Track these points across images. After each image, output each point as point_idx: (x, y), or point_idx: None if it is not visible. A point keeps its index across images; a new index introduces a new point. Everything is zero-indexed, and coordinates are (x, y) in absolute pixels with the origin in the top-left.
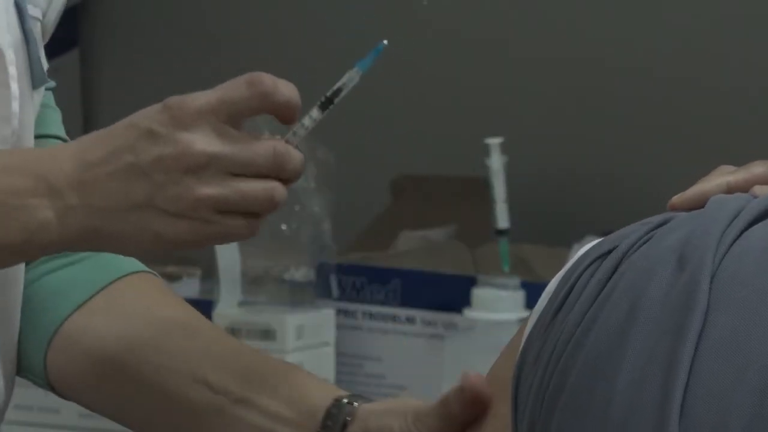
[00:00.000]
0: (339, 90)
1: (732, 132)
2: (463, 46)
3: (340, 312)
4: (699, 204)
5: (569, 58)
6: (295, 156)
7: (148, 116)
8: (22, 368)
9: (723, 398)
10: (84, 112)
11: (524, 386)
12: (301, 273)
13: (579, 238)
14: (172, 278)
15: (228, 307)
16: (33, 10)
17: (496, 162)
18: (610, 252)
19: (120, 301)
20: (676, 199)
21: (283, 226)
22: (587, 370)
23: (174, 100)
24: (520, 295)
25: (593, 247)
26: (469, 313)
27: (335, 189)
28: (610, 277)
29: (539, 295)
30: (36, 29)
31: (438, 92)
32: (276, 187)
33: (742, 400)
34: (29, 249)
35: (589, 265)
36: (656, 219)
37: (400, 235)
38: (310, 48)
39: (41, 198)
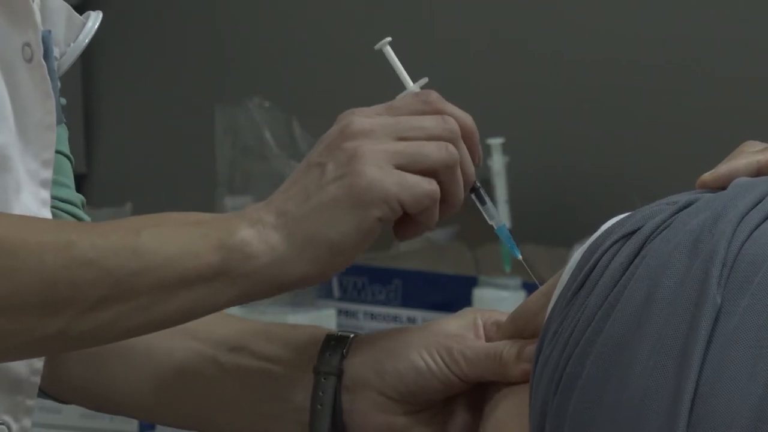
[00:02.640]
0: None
1: (733, 132)
2: (463, 47)
3: (341, 312)
4: (728, 183)
5: (570, 59)
6: (462, 116)
7: (323, 137)
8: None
9: (734, 388)
10: (85, 111)
11: (542, 361)
12: None
13: (579, 238)
14: None
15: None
16: (54, 50)
17: (498, 162)
18: (633, 233)
19: None
20: (707, 176)
21: None
22: (604, 358)
23: (342, 114)
24: (521, 295)
25: (617, 223)
26: None
27: None
28: (631, 261)
29: None
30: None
31: (439, 93)
32: (448, 145)
33: (752, 390)
34: (226, 276)
35: (612, 245)
36: (683, 199)
37: None
38: (310, 47)
39: (238, 222)
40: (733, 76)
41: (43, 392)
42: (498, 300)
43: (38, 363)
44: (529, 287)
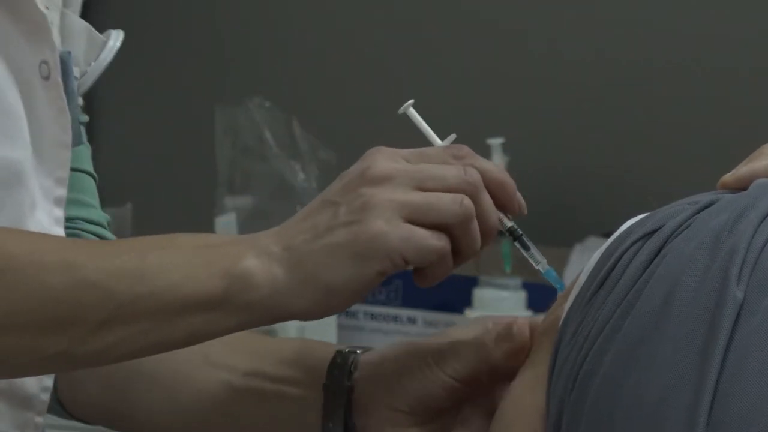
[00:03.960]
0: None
1: (734, 131)
2: (463, 47)
3: (341, 312)
4: (749, 184)
5: (570, 59)
6: (488, 168)
7: (338, 180)
8: None
9: (755, 386)
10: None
11: (560, 360)
12: None
13: (580, 238)
14: None
15: None
16: (73, 69)
17: (498, 162)
18: (654, 232)
19: None
20: (728, 177)
21: None
22: (622, 356)
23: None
24: (521, 296)
25: (638, 223)
26: (470, 314)
27: None
28: (652, 260)
29: (540, 295)
30: (76, 90)
31: (439, 93)
32: (465, 198)
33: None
34: (227, 304)
35: (632, 244)
36: (704, 199)
37: None
38: (310, 47)
39: (246, 251)
40: (733, 76)
41: (70, 414)
42: (498, 300)
43: (48, 381)
44: (530, 287)
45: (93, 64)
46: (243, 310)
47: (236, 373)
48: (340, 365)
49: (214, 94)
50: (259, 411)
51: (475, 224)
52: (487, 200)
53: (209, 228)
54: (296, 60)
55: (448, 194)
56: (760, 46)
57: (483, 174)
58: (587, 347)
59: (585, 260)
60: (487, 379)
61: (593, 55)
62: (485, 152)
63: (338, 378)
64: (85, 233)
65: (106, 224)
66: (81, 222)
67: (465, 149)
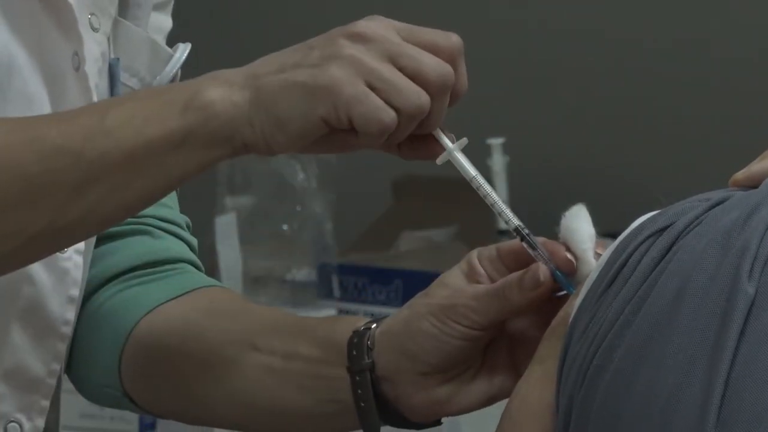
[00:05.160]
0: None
1: (734, 131)
2: (464, 48)
3: (341, 312)
4: (761, 181)
5: (570, 59)
6: (462, 81)
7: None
8: (101, 383)
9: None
10: None
11: (570, 357)
12: (303, 273)
13: None
14: None
15: None
16: (129, 80)
17: (498, 162)
18: (665, 229)
19: (187, 302)
20: (740, 175)
21: (285, 227)
22: (633, 352)
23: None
24: None
25: (649, 220)
26: None
27: (337, 189)
28: (663, 257)
29: None
30: None
31: None
32: (424, 94)
33: None
34: (192, 138)
35: (644, 241)
36: (716, 196)
37: (402, 235)
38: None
39: (211, 81)
40: (733, 78)
41: (143, 409)
42: None
43: (55, 365)
44: None
45: (159, 77)
46: (209, 141)
47: (276, 356)
48: (358, 345)
49: None
50: (300, 394)
51: (422, 119)
52: (445, 102)
53: (209, 228)
54: None
55: (413, 85)
56: (761, 49)
57: (458, 80)
58: (597, 343)
59: None
60: (506, 320)
61: (593, 55)
62: (485, 152)
63: (358, 358)
64: (163, 233)
65: (184, 225)
66: (156, 220)
67: (456, 41)
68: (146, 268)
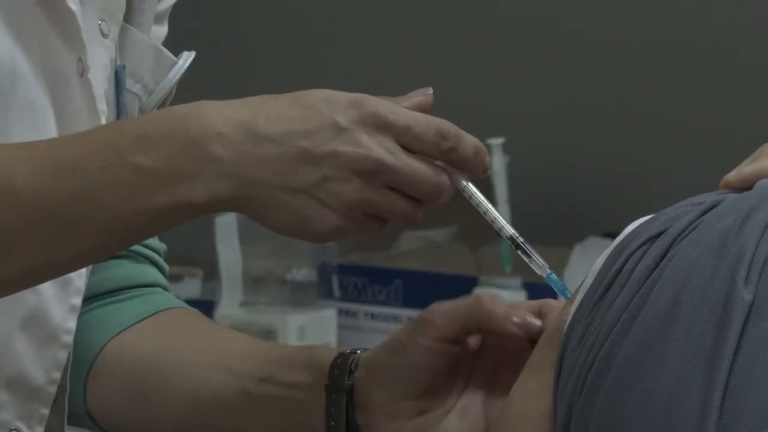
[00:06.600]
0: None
1: (733, 131)
2: (464, 48)
3: (341, 312)
4: (753, 183)
5: (570, 59)
6: (448, 191)
7: (334, 106)
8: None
9: (765, 389)
10: None
11: (567, 365)
12: (303, 273)
13: (580, 238)
14: (173, 279)
15: (229, 307)
16: (134, 86)
17: (498, 162)
18: (659, 235)
19: (159, 322)
20: (732, 176)
21: None
22: (631, 359)
23: (367, 101)
24: (521, 295)
25: (643, 225)
26: None
27: None
28: (658, 264)
29: (540, 295)
30: (133, 105)
31: (439, 93)
32: (417, 213)
33: None
34: (174, 216)
35: (638, 248)
36: (709, 199)
37: (402, 235)
38: (310, 47)
39: (197, 165)
40: (735, 77)
41: (101, 428)
42: None
43: (56, 373)
44: (530, 287)
45: (162, 83)
46: (195, 213)
47: (251, 380)
48: (341, 365)
49: (214, 93)
50: (272, 417)
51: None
52: (439, 201)
53: (209, 228)
54: (296, 59)
55: (408, 206)
56: (763, 45)
57: (461, 162)
58: (595, 351)
59: (585, 260)
60: (470, 337)
61: (593, 55)
62: (487, 152)
63: (338, 378)
64: (136, 255)
65: (162, 252)
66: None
67: (452, 133)
68: (124, 291)
